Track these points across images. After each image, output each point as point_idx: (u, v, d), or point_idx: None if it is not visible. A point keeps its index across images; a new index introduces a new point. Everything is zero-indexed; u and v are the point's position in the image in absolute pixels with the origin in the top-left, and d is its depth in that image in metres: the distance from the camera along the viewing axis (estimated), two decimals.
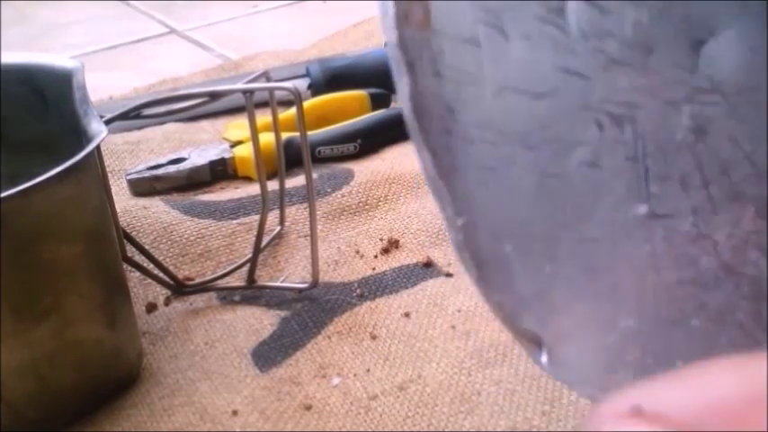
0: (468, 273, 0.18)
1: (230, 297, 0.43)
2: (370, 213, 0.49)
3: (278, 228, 0.47)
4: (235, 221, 0.48)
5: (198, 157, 0.56)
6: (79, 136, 0.34)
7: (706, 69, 0.17)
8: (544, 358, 0.18)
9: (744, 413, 0.11)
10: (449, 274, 0.43)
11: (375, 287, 0.43)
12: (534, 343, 0.18)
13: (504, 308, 0.18)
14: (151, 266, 0.42)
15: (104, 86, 0.72)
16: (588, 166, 0.17)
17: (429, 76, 0.17)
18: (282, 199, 0.47)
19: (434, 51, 0.17)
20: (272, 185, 0.46)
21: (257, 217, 0.44)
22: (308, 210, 0.42)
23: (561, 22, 0.16)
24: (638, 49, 0.16)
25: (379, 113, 0.60)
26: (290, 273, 0.45)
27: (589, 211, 0.17)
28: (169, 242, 0.46)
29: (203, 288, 0.43)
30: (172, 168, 0.55)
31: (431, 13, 0.16)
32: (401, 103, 0.18)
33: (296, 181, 0.51)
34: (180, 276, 0.43)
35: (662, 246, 0.18)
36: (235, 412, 0.35)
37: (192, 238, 0.47)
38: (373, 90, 0.63)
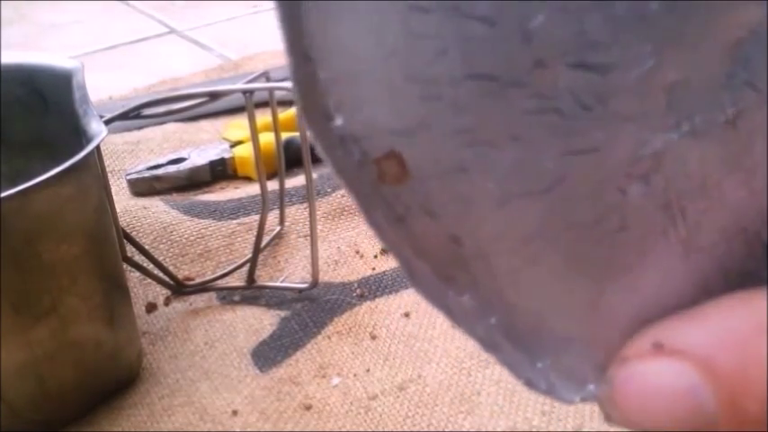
0: (508, 361, 0.16)
1: (230, 297, 0.43)
2: None
3: (278, 228, 0.47)
4: (235, 221, 0.48)
5: (198, 157, 0.56)
6: (79, 136, 0.34)
7: (744, 75, 0.14)
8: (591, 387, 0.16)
9: (751, 340, 0.13)
10: None
11: (375, 287, 0.43)
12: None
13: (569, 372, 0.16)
14: (151, 266, 0.42)
15: (104, 86, 0.72)
16: (617, 232, 0.15)
17: (423, 219, 0.15)
18: (282, 199, 0.47)
19: (421, 196, 0.15)
20: (272, 185, 0.46)
21: (257, 217, 0.44)
22: (308, 210, 0.42)
23: (556, 106, 0.14)
24: (656, 91, 0.14)
25: None
26: (290, 273, 0.45)
27: (626, 266, 0.16)
28: (169, 242, 0.46)
29: (203, 288, 0.43)
30: (172, 168, 0.55)
31: (406, 162, 0.15)
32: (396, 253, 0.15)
33: (296, 181, 0.51)
34: (180, 276, 0.43)
35: (713, 268, 0.16)
36: (235, 412, 0.35)
37: (191, 238, 0.47)
38: None
